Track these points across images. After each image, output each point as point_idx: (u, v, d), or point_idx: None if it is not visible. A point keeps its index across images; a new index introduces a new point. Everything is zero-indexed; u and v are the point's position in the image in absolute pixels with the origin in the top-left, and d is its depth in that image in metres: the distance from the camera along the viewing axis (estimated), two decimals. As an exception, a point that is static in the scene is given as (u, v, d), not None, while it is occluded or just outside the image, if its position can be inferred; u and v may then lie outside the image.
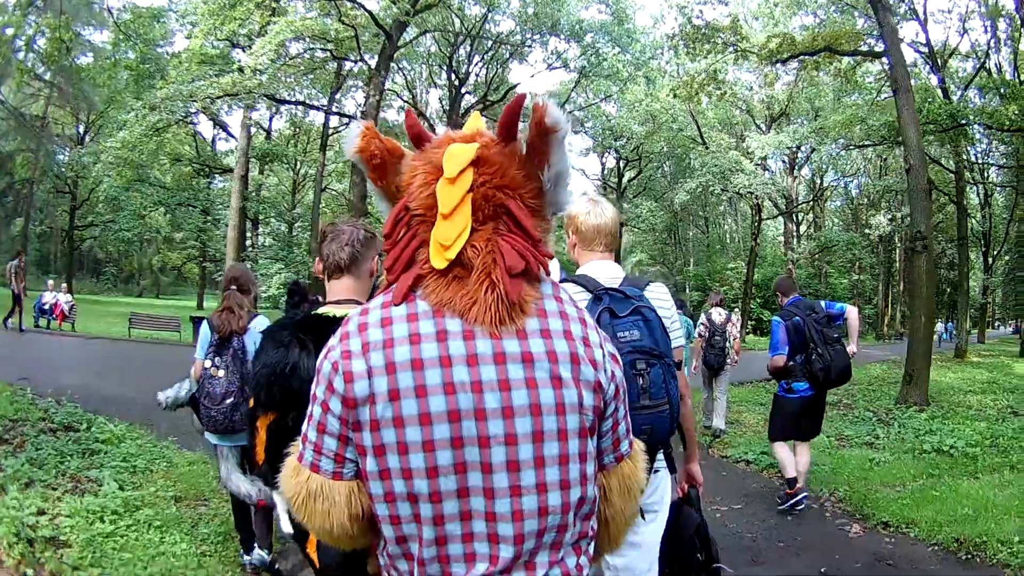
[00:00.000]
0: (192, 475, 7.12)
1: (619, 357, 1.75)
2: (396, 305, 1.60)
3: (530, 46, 36.79)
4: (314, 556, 2.62)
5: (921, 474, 8.67)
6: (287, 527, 3.11)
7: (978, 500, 7.19)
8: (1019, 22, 27.25)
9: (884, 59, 17.48)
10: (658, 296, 3.34)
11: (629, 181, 49.32)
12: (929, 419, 12.27)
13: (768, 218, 48.89)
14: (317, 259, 3.00)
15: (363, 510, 1.65)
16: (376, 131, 1.77)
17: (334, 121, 38.67)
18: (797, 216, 49.69)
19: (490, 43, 37.17)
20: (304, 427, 1.70)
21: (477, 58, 38.51)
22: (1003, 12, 28.64)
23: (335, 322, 2.11)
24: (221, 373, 5.02)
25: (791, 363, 7.25)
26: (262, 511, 5.22)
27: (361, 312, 1.65)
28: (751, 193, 40.49)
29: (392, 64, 33.59)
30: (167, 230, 52.25)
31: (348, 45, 26.08)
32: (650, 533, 3.28)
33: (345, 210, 34.81)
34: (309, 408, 1.68)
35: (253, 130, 38.50)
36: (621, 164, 49.23)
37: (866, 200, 57.53)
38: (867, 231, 52.56)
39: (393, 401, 1.52)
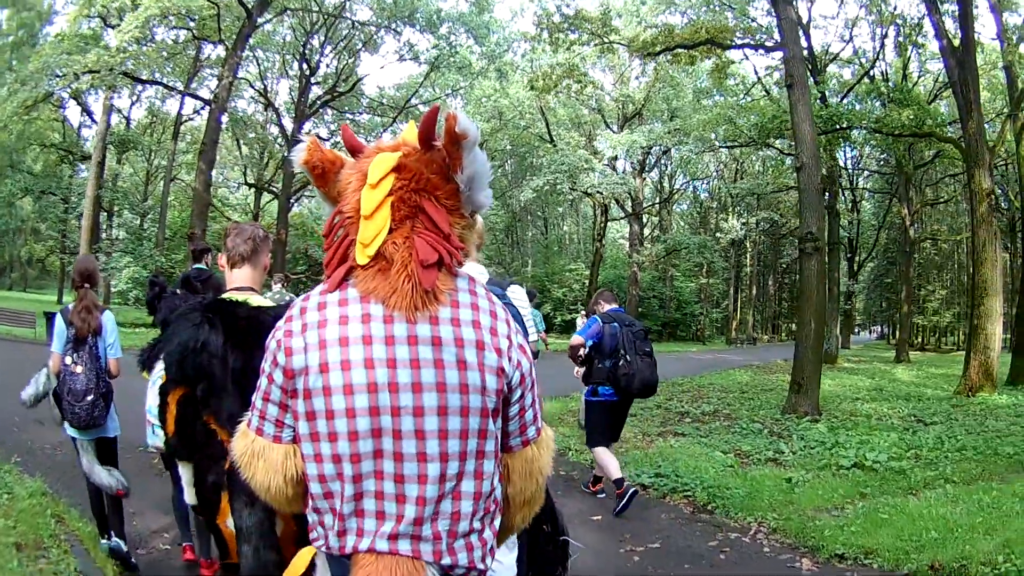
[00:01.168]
0: (34, 511, 5.93)
1: (528, 349, 1.98)
2: (331, 292, 1.86)
3: (383, 36, 36.59)
4: (223, 527, 2.90)
5: (852, 494, 7.94)
6: (191, 499, 3.19)
7: (936, 520, 6.51)
8: (908, 31, 27.49)
9: (779, 52, 17.02)
10: (518, 297, 3.84)
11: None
12: (829, 431, 11.50)
13: (614, 219, 49.43)
14: (220, 253, 3.34)
15: (296, 472, 1.91)
16: (319, 144, 2.05)
17: (188, 108, 38.22)
18: (642, 218, 49.67)
19: (345, 32, 36.74)
20: (253, 397, 1.96)
21: (329, 48, 38.09)
22: (895, 19, 28.95)
23: (237, 305, 2.90)
24: (79, 369, 5.14)
25: (600, 366, 7.48)
26: (116, 500, 5.33)
27: (303, 298, 1.91)
28: (599, 193, 40.71)
29: (248, 53, 33.15)
30: (33, 220, 50.75)
31: (210, 26, 25.78)
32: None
33: (191, 201, 33.26)
34: (259, 380, 1.94)
35: (114, 117, 37.50)
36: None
37: (715, 204, 58.26)
38: (719, 235, 53.08)
39: (323, 373, 1.77)
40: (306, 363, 1.78)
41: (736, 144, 32.66)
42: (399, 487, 1.78)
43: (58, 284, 53.43)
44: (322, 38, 36.95)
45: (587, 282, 45.70)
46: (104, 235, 40.29)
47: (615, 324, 7.53)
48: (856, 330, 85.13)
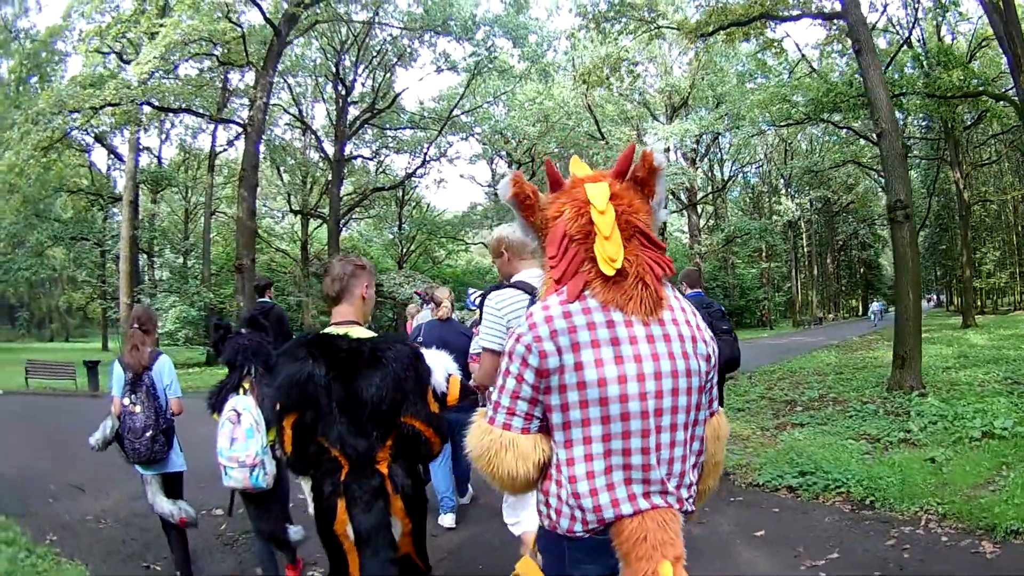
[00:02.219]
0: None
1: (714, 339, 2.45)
2: (571, 303, 2.23)
3: (417, 49, 35.63)
4: (341, 537, 3.19)
5: (995, 465, 7.49)
6: (313, 510, 3.35)
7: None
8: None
9: (840, 21, 16.31)
10: None
11: None
12: (943, 403, 10.76)
13: (672, 212, 48.15)
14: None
15: (542, 457, 2.29)
16: (523, 178, 2.45)
17: (221, 139, 37.06)
18: (698, 209, 49.08)
19: (376, 50, 35.97)
20: (495, 397, 2.33)
21: (362, 67, 37.19)
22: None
23: (338, 339, 3.25)
24: (138, 409, 5.25)
25: None
26: (180, 533, 5.49)
27: (542, 308, 2.27)
28: (658, 185, 39.40)
29: (279, 80, 32.49)
30: (69, 268, 49.18)
31: (236, 51, 24.27)
32: None
33: (233, 234, 32.72)
34: (500, 380, 2.32)
35: (144, 157, 36.61)
36: (513, 169, 47.30)
37: (766, 187, 57.40)
38: (775, 217, 52.08)
39: (578, 371, 2.16)
40: (560, 363, 2.17)
41: (791, 123, 31.53)
42: (646, 457, 2.20)
43: (101, 332, 52.42)
44: (354, 57, 36.02)
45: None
46: (147, 277, 39.47)
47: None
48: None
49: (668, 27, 21.58)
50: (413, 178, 43.02)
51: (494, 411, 2.33)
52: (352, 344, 3.23)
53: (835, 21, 18.86)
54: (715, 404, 2.51)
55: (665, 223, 44.12)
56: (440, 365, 3.61)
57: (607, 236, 2.20)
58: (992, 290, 55.97)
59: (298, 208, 43.31)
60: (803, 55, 31.28)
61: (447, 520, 6.91)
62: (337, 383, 3.13)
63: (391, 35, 34.81)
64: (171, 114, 31.11)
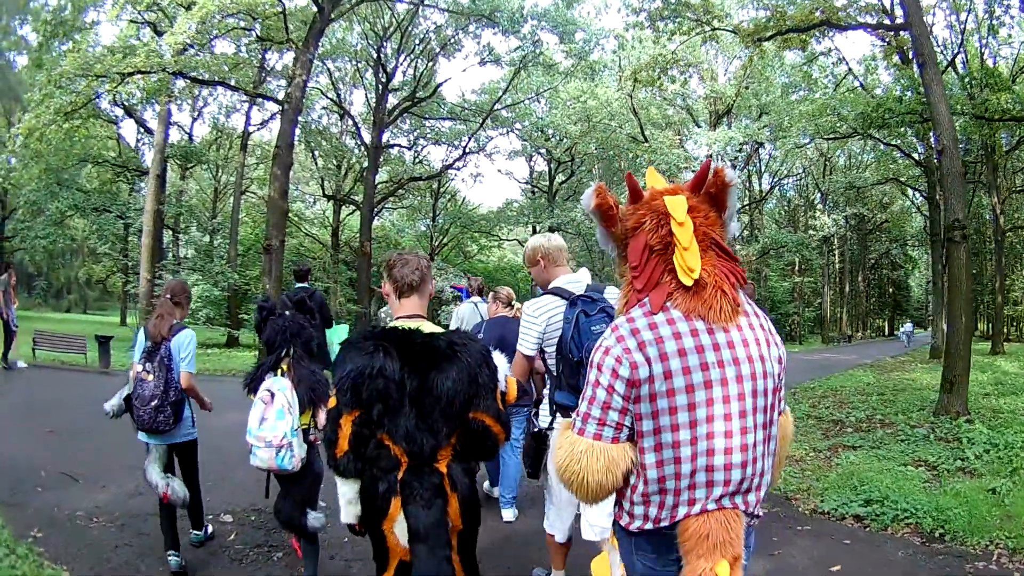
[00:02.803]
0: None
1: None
2: (655, 314, 2.43)
3: (461, 40, 34.95)
4: (389, 534, 3.16)
5: None
6: (350, 517, 3.33)
7: None
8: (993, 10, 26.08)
9: (904, 33, 15.91)
10: (614, 296, 4.20)
11: (560, 184, 47.54)
12: (992, 430, 10.64)
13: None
14: (384, 281, 3.61)
15: (629, 465, 2.45)
16: (605, 189, 2.66)
17: (256, 120, 36.55)
18: (735, 218, 47.73)
19: (419, 38, 35.21)
20: (583, 409, 2.49)
21: (404, 56, 36.36)
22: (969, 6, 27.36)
23: (411, 333, 3.20)
24: (151, 377, 5.33)
25: None
26: (168, 510, 5.51)
27: (627, 320, 2.46)
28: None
29: (318, 63, 31.95)
30: (91, 240, 47.53)
31: (276, 27, 23.14)
32: None
33: (263, 216, 32.13)
34: (588, 391, 2.48)
35: (175, 133, 36.31)
36: (552, 167, 47.42)
37: (803, 201, 56.90)
38: (812, 231, 51.31)
39: (667, 379, 2.35)
40: (651, 373, 2.34)
41: (838, 136, 31.08)
42: (727, 458, 2.36)
43: (120, 305, 52.16)
44: (396, 44, 35.35)
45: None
46: (171, 254, 38.84)
47: None
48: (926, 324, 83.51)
49: (725, 29, 20.93)
50: (451, 170, 42.46)
51: (583, 422, 2.48)
52: (426, 339, 3.21)
53: (898, 34, 18.44)
54: (783, 403, 2.67)
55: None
56: (502, 364, 3.61)
57: (686, 247, 2.41)
58: (1018, 317, 55.28)
59: (331, 194, 42.80)
60: (850, 68, 30.88)
61: (508, 515, 7.26)
62: (411, 377, 3.10)
63: (435, 23, 34.15)
64: (204, 88, 30.36)
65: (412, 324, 3.33)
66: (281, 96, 24.31)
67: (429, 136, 41.46)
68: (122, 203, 37.22)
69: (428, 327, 3.35)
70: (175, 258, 38.54)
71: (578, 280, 4.51)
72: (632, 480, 2.48)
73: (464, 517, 3.24)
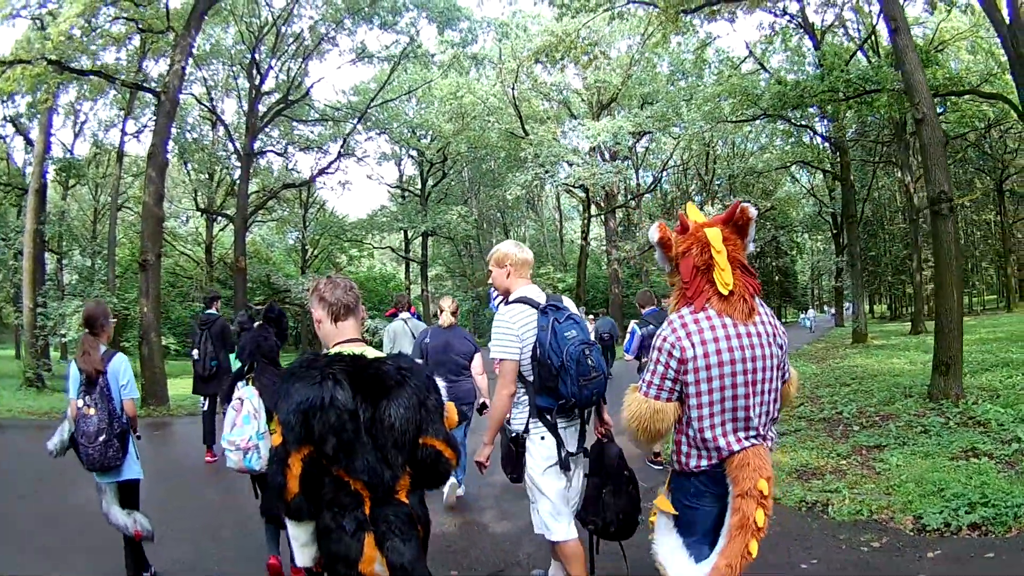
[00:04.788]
0: None
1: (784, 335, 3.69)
2: (698, 313, 3.44)
3: (336, 37, 34.25)
4: (369, 573, 2.91)
5: None
6: (306, 561, 3.08)
7: None
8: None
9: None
10: (572, 306, 4.84)
11: (432, 187, 47.50)
12: (1010, 407, 10.44)
13: (596, 215, 47.08)
14: (314, 309, 3.41)
15: (675, 417, 3.49)
16: (665, 225, 3.68)
17: (131, 127, 34.22)
18: (616, 214, 47.94)
19: (294, 37, 34.15)
20: (647, 377, 3.50)
21: (277, 58, 35.30)
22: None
23: (357, 359, 3.02)
24: (92, 411, 5.29)
25: (645, 359, 9.02)
26: (135, 544, 5.53)
27: (679, 317, 3.48)
28: (582, 186, 39.07)
29: (191, 70, 31.15)
30: None
31: (158, 15, 22.17)
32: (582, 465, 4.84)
33: (139, 233, 29.71)
34: (651, 366, 3.51)
35: (57, 150, 34.51)
36: (424, 169, 47.34)
37: (679, 193, 56.86)
38: (691, 226, 51.35)
39: (705, 358, 3.35)
40: (694, 354, 3.36)
41: (749, 118, 29.72)
42: (747, 411, 3.42)
43: (14, 336, 48.82)
44: (270, 44, 34.17)
45: (575, 283, 44.49)
46: (53, 279, 36.40)
47: (651, 327, 9.52)
48: (824, 309, 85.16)
49: (640, 1, 19.61)
50: (322, 175, 42.01)
51: (647, 387, 3.51)
52: (374, 364, 3.07)
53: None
54: (787, 374, 3.75)
55: (589, 223, 45.72)
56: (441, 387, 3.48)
57: (724, 268, 3.44)
58: (928, 296, 56.51)
59: (204, 207, 42.02)
60: (751, 51, 30.67)
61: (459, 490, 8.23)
62: (364, 406, 2.94)
63: (312, 18, 33.27)
64: (84, 83, 28.14)
65: (356, 349, 3.20)
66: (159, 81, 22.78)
67: (299, 142, 40.86)
68: (13, 227, 34.90)
69: (371, 352, 3.23)
70: (56, 283, 36.56)
71: (539, 292, 4.86)
72: (685, 430, 3.51)
73: (424, 549, 3.19)
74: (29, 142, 32.99)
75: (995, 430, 9.43)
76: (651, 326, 9.48)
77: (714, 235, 3.43)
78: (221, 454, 5.41)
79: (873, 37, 27.51)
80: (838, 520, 6.93)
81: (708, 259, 3.43)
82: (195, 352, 11.88)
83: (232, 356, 10.78)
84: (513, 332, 4.56)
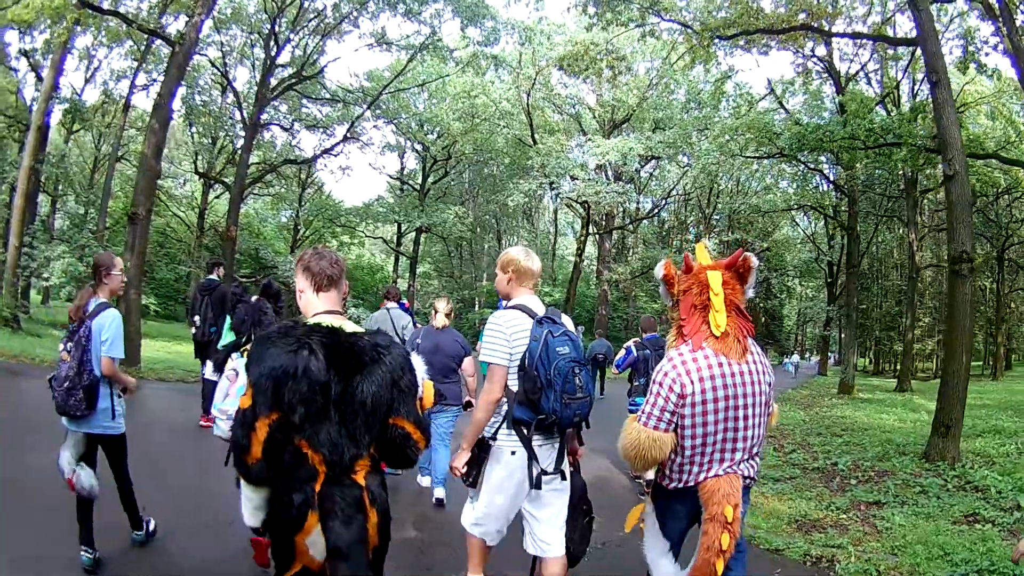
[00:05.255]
0: None
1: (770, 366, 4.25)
2: (695, 352, 3.87)
3: (358, 20, 33.43)
4: (300, 543, 2.94)
5: None
6: (254, 521, 3.16)
7: None
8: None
9: (916, 47, 14.99)
10: (569, 323, 4.77)
11: (433, 184, 47.22)
12: (1007, 475, 10.40)
13: (592, 234, 46.81)
14: (298, 278, 3.41)
15: (672, 447, 3.92)
16: (671, 263, 4.21)
17: (141, 80, 33.82)
18: (612, 235, 47.91)
19: (315, 14, 33.55)
20: (648, 409, 3.94)
21: (297, 31, 34.75)
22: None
23: (335, 331, 3.03)
24: (67, 357, 5.34)
25: (637, 383, 9.99)
26: (83, 502, 5.36)
27: (679, 354, 3.90)
28: (585, 202, 38.68)
29: (209, 31, 31.24)
30: None
31: None
32: (569, 486, 4.76)
33: (132, 184, 29.56)
34: (652, 399, 3.93)
35: (65, 91, 33.17)
36: (427, 164, 47.08)
37: (677, 223, 56.56)
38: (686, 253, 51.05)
39: (702, 393, 3.79)
40: (693, 390, 3.81)
41: (764, 156, 29.53)
42: (734, 443, 3.89)
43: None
44: (291, 17, 33.57)
45: (564, 299, 43.51)
46: (43, 222, 35.55)
47: (647, 352, 9.99)
48: (807, 355, 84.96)
49: (679, 22, 19.00)
50: (325, 155, 41.42)
51: (647, 418, 3.95)
52: (351, 338, 3.06)
53: (895, 49, 17.34)
54: (773, 404, 4.23)
55: (585, 240, 44.69)
56: (419, 368, 3.48)
57: (718, 311, 3.92)
58: (918, 354, 56.31)
59: (203, 171, 41.63)
60: (771, 88, 30.34)
61: (439, 492, 8.16)
62: (337, 379, 2.94)
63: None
64: (100, 16, 27.28)
65: (335, 321, 3.20)
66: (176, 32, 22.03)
67: (306, 120, 40.22)
68: (6, 160, 33.85)
69: (350, 326, 3.22)
70: (43, 224, 35.50)
71: (539, 303, 4.77)
72: (673, 456, 3.99)
73: (381, 534, 3.13)
74: (40, 79, 32.26)
75: (994, 497, 9.41)
76: (647, 351, 9.96)
77: (715, 278, 3.96)
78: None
79: (897, 91, 27.38)
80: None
81: (706, 300, 3.95)
82: (196, 318, 11.97)
83: (227, 324, 10.44)
84: (504, 336, 4.51)
